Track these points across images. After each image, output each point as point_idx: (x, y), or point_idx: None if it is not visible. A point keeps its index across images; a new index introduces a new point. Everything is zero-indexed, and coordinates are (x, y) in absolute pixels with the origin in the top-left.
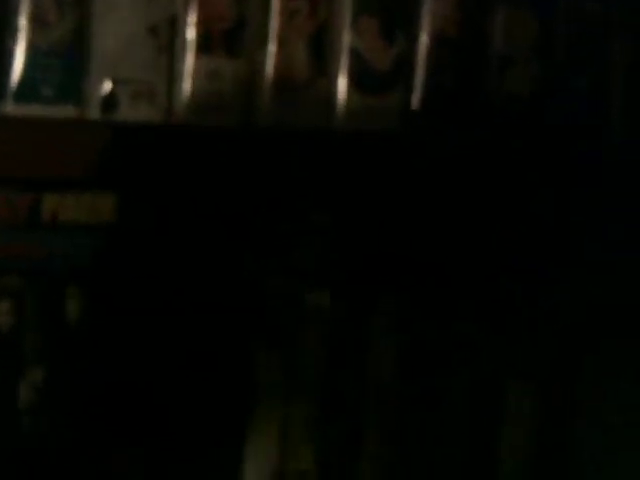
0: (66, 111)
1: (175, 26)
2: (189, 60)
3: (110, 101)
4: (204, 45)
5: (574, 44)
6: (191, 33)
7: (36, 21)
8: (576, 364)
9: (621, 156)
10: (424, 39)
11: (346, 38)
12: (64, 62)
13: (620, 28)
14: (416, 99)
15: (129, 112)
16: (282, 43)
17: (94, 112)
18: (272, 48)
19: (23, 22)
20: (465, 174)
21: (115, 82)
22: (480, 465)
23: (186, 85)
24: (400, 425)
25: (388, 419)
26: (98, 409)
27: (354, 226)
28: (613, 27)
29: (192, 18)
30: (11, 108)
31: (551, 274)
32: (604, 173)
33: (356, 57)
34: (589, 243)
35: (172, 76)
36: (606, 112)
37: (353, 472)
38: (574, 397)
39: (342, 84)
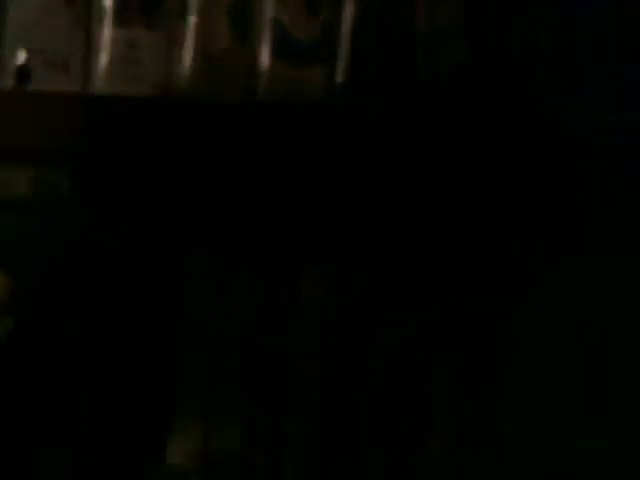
0: None
1: None
2: (106, 31)
3: (24, 71)
4: (121, 15)
5: (503, 18)
6: (108, 3)
7: None
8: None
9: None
10: (349, 10)
11: (268, 8)
12: None
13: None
14: (340, 71)
15: (43, 82)
16: (202, 14)
17: (8, 82)
18: (192, 19)
19: None
20: (390, 146)
21: (30, 52)
22: (406, 441)
23: (103, 56)
24: (325, 403)
25: (313, 396)
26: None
27: (277, 199)
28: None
29: None
30: None
31: (471, 250)
32: (535, 146)
33: (279, 28)
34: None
35: (89, 47)
36: (534, 85)
37: (279, 451)
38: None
39: (265, 55)
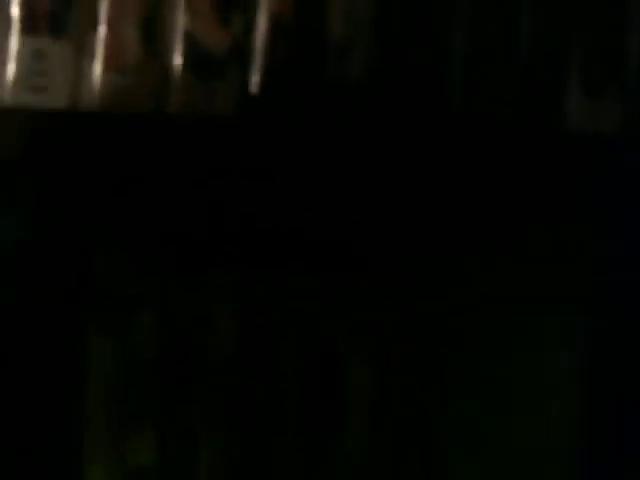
0: None
1: None
2: (13, 40)
3: None
4: (28, 25)
5: (415, 25)
6: (15, 12)
7: None
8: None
9: (464, 133)
10: (261, 22)
11: (180, 20)
12: None
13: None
14: (254, 83)
15: None
16: (112, 24)
17: None
18: (102, 29)
19: None
20: (304, 157)
21: None
22: (322, 442)
23: (11, 65)
24: (243, 408)
25: (230, 404)
26: None
27: (188, 211)
28: (455, 5)
29: None
30: None
31: (388, 246)
32: (448, 150)
33: (190, 40)
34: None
35: None
36: (447, 89)
37: (195, 462)
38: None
39: (176, 67)
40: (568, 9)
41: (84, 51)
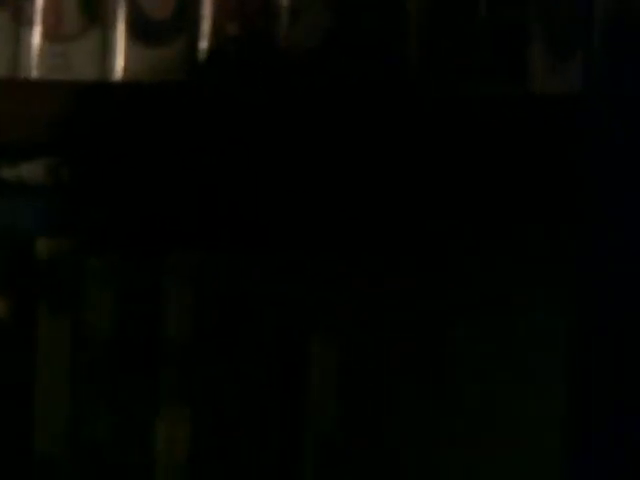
0: None
1: None
2: None
3: None
4: None
5: None
6: None
7: None
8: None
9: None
10: None
11: None
12: None
13: None
14: (201, 49)
15: None
16: None
17: None
18: None
19: None
20: (253, 124)
21: None
22: (286, 424)
23: None
24: (199, 387)
25: (186, 381)
26: None
27: (135, 182)
28: None
29: None
30: None
31: (351, 224)
32: (403, 124)
33: (132, 5)
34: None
35: None
36: (402, 61)
37: (151, 439)
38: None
39: (119, 34)
40: None
41: (21, 19)
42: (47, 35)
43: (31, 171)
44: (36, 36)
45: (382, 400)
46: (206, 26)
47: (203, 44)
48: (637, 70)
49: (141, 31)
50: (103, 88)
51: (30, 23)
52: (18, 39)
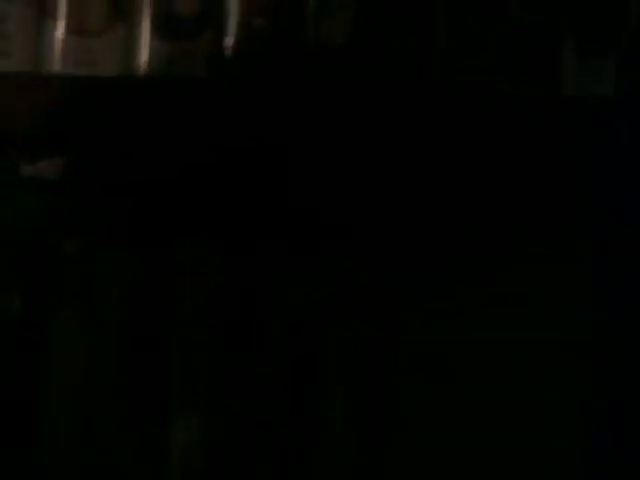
0: None
1: None
2: None
3: None
4: None
5: None
6: None
7: None
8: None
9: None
10: None
11: None
12: None
13: None
14: (227, 46)
15: None
16: None
17: None
18: None
19: None
20: (279, 121)
21: None
22: (302, 418)
23: None
24: (215, 384)
25: (200, 377)
26: None
27: (155, 176)
28: None
29: None
30: None
31: (362, 220)
32: (427, 121)
33: (159, 2)
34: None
35: None
36: (427, 62)
37: (162, 440)
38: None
39: (145, 30)
40: None
41: (46, 13)
42: (71, 29)
43: (47, 166)
44: (60, 30)
45: (392, 398)
46: (233, 22)
47: (229, 40)
48: None
49: (166, 27)
50: (126, 83)
51: (54, 17)
52: (42, 33)
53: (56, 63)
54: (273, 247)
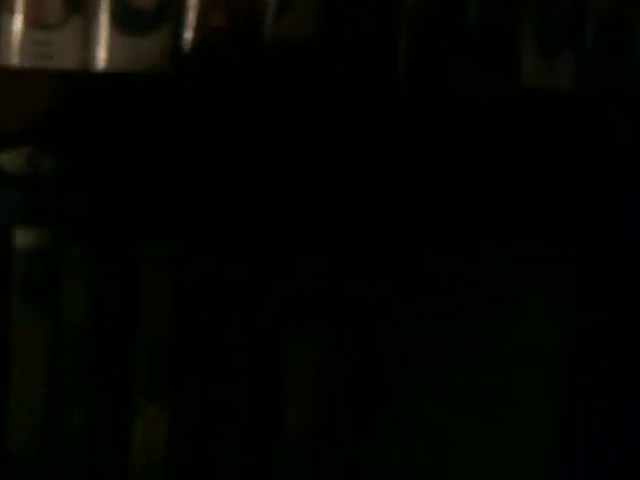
0: None
1: None
2: None
3: None
4: None
5: None
6: None
7: None
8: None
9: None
10: None
11: None
12: None
13: None
14: (186, 40)
15: None
16: None
17: None
18: None
19: None
20: (236, 118)
21: None
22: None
23: None
24: (176, 381)
25: (162, 374)
26: None
27: (113, 172)
28: None
29: None
30: None
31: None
32: (392, 119)
33: None
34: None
35: None
36: (392, 59)
37: (126, 433)
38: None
39: (103, 23)
40: None
41: (2, 6)
42: (29, 23)
43: (9, 160)
44: (18, 24)
45: (360, 397)
46: (191, 17)
47: (188, 35)
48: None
49: (124, 20)
50: (84, 78)
51: (11, 10)
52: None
53: (14, 57)
54: (236, 242)
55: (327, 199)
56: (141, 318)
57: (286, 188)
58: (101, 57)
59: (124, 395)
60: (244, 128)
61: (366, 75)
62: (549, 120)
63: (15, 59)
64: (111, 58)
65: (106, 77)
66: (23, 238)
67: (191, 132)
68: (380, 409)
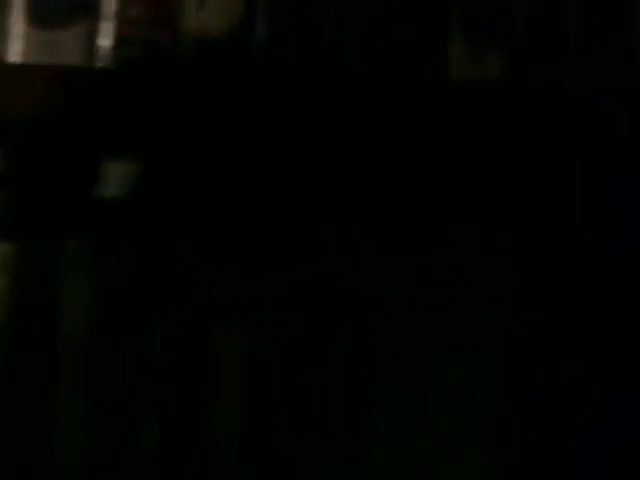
0: None
1: None
2: None
3: None
4: None
5: None
6: None
7: None
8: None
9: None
10: None
11: None
12: None
13: None
14: (104, 32)
15: None
16: None
17: None
18: None
19: None
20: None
21: None
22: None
23: None
24: (95, 383)
25: (84, 376)
26: None
27: (41, 174)
28: None
29: None
30: None
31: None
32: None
33: None
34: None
35: None
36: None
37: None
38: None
39: (17, 16)
40: None
41: None
42: None
43: None
44: None
45: (288, 393)
46: (109, 9)
47: (105, 27)
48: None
49: (38, 14)
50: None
51: None
52: None
53: None
54: (163, 240)
55: (258, 186)
56: (62, 315)
57: (209, 177)
58: (15, 51)
59: (46, 390)
60: (159, 118)
61: (287, 65)
62: (475, 109)
63: None
64: (25, 52)
65: (21, 71)
66: None
67: (108, 124)
68: (314, 404)
